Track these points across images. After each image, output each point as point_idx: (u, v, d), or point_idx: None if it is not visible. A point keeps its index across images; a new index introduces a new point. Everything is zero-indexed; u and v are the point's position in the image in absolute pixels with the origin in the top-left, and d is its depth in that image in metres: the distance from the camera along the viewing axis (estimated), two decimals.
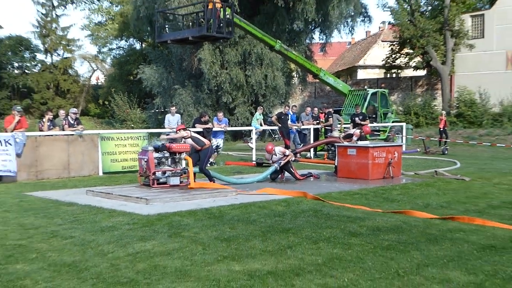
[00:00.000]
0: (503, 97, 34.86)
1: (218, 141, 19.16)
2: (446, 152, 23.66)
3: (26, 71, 53.67)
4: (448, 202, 10.73)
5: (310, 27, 37.39)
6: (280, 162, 14.06)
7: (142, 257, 6.45)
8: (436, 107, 38.35)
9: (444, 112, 30.59)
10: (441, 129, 28.54)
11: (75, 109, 18.08)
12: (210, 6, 21.22)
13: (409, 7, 39.40)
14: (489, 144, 28.58)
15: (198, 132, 17.53)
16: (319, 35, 39.13)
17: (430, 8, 40.89)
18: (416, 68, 41.98)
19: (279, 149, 14.54)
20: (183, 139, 12.67)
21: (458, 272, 5.92)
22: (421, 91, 41.48)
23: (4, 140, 14.25)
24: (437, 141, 28.73)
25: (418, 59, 40.69)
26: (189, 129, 13.82)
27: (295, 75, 39.63)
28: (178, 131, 12.86)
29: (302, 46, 36.06)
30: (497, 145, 28.24)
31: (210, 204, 10.23)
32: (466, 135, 30.91)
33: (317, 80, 30.36)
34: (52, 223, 8.53)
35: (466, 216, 9.04)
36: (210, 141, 18.39)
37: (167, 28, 31.87)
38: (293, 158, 14.94)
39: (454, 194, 11.74)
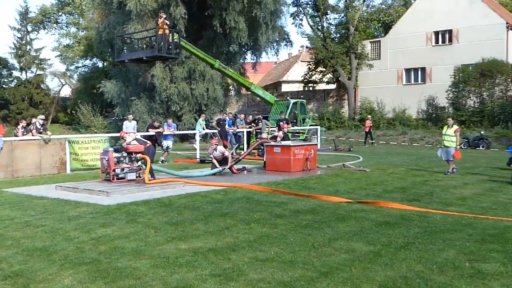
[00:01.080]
0: (395, 106, 35.96)
1: (168, 143, 18.86)
2: (351, 149, 24.09)
3: (4, 86, 51.59)
4: (353, 188, 10.95)
5: (243, 49, 37.47)
6: (225, 168, 14.00)
7: (104, 241, 6.27)
8: (343, 114, 39.20)
9: (369, 117, 31.20)
10: (367, 131, 29.19)
11: (43, 116, 17.36)
12: (160, 32, 20.96)
13: (322, 34, 40.16)
14: (385, 142, 29.46)
15: (151, 135, 17.31)
16: (251, 56, 39.27)
17: (338, 35, 41.72)
18: (328, 82, 42.77)
19: (220, 148, 14.56)
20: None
21: (361, 244, 6.05)
22: (332, 101, 42.26)
23: None
24: (345, 140, 29.38)
25: (329, 75, 41.52)
26: (135, 132, 13.74)
27: (231, 88, 39.60)
28: (122, 137, 12.61)
29: (237, 65, 36.10)
30: (391, 143, 29.17)
31: (161, 194, 10.06)
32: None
33: (249, 92, 30.43)
34: (25, 214, 8.17)
35: (368, 199, 9.26)
36: (161, 142, 18.25)
37: (125, 50, 31.29)
38: (231, 156, 14.90)
39: (357, 182, 11.99)
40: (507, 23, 33.15)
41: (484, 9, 33.99)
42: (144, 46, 25.32)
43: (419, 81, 37.21)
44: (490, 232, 6.64)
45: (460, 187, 11.20)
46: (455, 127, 14.17)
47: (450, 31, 35.39)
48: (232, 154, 17.37)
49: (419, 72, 37.32)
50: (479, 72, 31.28)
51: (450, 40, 35.56)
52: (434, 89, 34.44)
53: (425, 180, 12.48)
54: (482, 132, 27.12)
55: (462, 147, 14.65)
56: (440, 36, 36.21)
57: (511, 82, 31.05)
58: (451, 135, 13.92)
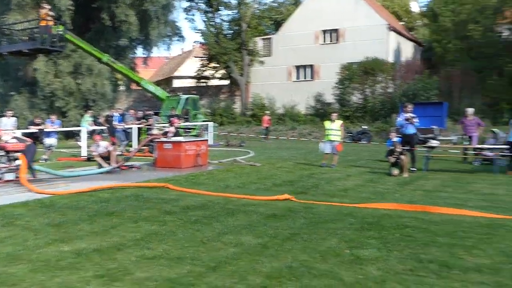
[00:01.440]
0: (285, 102, 37.11)
1: (51, 141, 17.83)
2: (243, 144, 24.45)
3: None
4: (243, 183, 11.11)
5: (134, 43, 36.54)
6: (114, 168, 13.52)
7: None
8: (236, 109, 39.70)
9: (268, 112, 31.60)
10: (265, 128, 29.56)
11: None
12: (43, 23, 19.83)
13: (215, 30, 40.35)
14: (275, 137, 30.29)
15: (32, 133, 16.30)
16: (142, 50, 38.56)
17: (231, 32, 42.15)
18: (220, 78, 43.08)
19: (103, 143, 14.13)
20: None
21: (250, 237, 6.18)
22: (224, 97, 42.60)
23: None
24: (236, 135, 29.75)
25: (222, 71, 41.83)
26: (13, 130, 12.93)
27: (121, 84, 38.48)
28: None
29: (127, 60, 35.10)
30: (280, 138, 30.06)
31: (42, 195, 9.50)
32: (258, 131, 32.25)
33: (140, 88, 29.77)
34: None
35: (257, 194, 9.45)
36: (42, 140, 17.25)
37: (4, 41, 29.12)
38: (119, 152, 14.49)
39: (247, 177, 12.19)
40: (388, 24, 35.61)
41: (368, 11, 36.19)
42: (26, 38, 23.77)
43: (308, 78, 38.72)
44: (368, 220, 7.10)
45: (343, 179, 11.85)
46: (339, 122, 14.98)
47: (336, 30, 37.23)
48: (121, 152, 16.91)
49: (308, 69, 38.86)
50: (363, 70, 33.27)
51: (337, 39, 37.42)
52: (322, 85, 36.04)
53: (312, 173, 13.02)
54: (364, 127, 28.96)
55: (346, 141, 15.67)
56: (327, 35, 37.96)
57: (391, 80, 33.40)
58: (336, 129, 14.70)
